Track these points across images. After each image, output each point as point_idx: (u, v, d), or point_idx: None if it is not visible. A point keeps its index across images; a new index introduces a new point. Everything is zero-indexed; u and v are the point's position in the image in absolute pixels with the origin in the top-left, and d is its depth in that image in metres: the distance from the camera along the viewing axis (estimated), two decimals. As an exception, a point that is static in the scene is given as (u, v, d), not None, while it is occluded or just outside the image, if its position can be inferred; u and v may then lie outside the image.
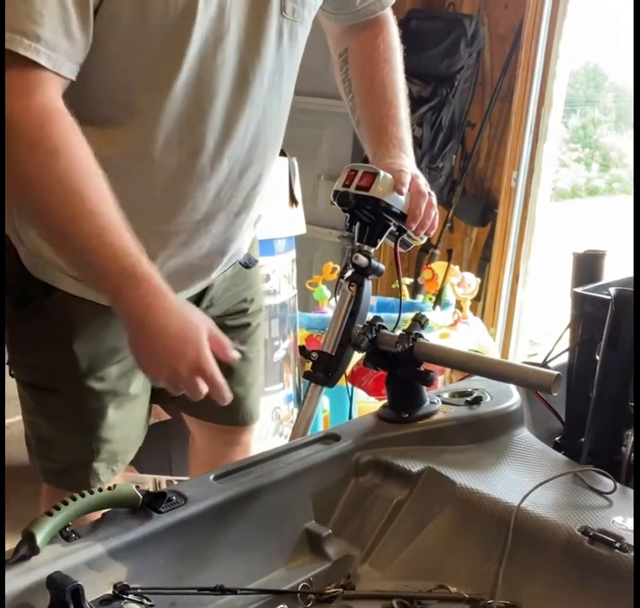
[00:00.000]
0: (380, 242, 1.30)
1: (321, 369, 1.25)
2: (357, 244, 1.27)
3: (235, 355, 1.17)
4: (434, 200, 1.34)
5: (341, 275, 1.30)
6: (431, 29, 3.43)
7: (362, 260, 1.25)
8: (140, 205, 1.19)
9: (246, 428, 1.68)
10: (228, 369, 1.52)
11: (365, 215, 1.28)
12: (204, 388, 1.12)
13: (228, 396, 1.15)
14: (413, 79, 3.44)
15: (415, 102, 3.45)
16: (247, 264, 1.54)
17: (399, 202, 1.28)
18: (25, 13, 1.00)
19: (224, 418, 1.61)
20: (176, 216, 1.29)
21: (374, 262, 1.26)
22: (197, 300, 1.45)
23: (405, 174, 1.29)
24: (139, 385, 1.44)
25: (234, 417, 1.62)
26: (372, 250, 1.28)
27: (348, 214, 1.29)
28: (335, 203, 1.28)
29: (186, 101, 1.19)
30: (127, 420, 1.44)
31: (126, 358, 1.35)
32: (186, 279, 1.37)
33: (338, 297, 1.28)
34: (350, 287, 1.26)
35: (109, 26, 1.10)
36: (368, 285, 1.27)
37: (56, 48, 1.03)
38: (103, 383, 1.37)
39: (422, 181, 1.32)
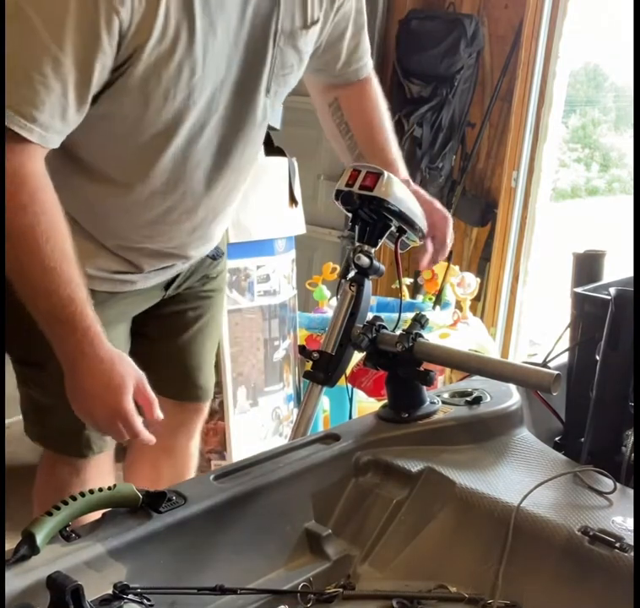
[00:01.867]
0: (380, 243, 1.31)
1: (321, 369, 1.25)
2: (358, 244, 1.28)
3: (159, 414, 1.25)
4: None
5: (342, 276, 1.30)
6: (431, 29, 3.43)
7: (364, 260, 1.26)
8: (119, 228, 1.39)
9: (197, 408, 1.76)
10: (184, 342, 1.66)
11: (367, 215, 1.28)
12: (124, 433, 1.23)
13: (151, 440, 1.25)
14: (413, 79, 3.45)
15: (415, 102, 3.46)
16: (214, 256, 1.63)
17: (402, 202, 1.30)
18: (28, 99, 1.11)
19: (178, 392, 1.70)
20: (152, 241, 1.44)
21: (375, 262, 1.28)
22: (166, 287, 1.56)
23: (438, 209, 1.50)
24: None
25: (187, 391, 1.72)
26: (373, 250, 1.29)
27: (351, 214, 1.30)
28: (338, 202, 1.30)
29: (171, 170, 1.33)
30: None
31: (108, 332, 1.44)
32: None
33: (338, 297, 1.28)
34: (351, 287, 1.26)
35: (108, 112, 1.23)
36: (368, 285, 1.28)
37: (49, 129, 1.15)
38: None
39: (440, 206, 1.48)
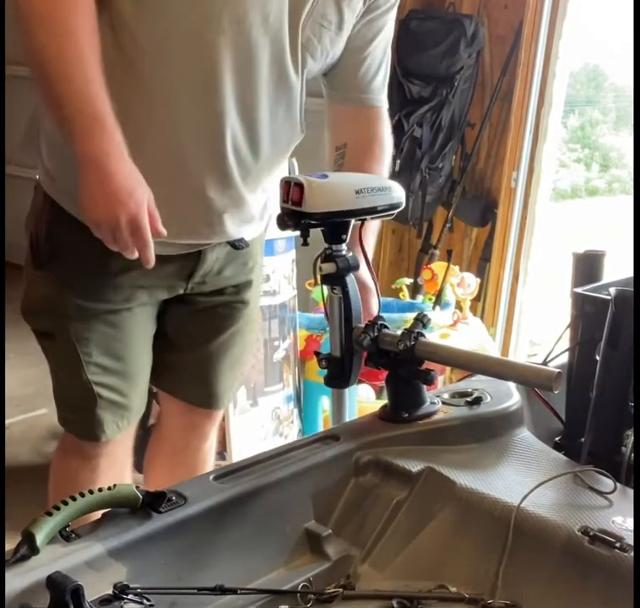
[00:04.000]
0: (347, 236, 1.24)
1: (335, 374, 1.26)
2: (326, 246, 1.23)
3: (162, 230, 1.23)
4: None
5: (322, 282, 1.25)
6: (431, 30, 3.43)
7: (328, 268, 1.21)
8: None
9: (210, 414, 1.75)
10: (208, 352, 1.63)
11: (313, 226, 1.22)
12: (131, 244, 1.21)
13: (151, 258, 1.23)
14: (413, 79, 3.45)
15: (415, 102, 3.46)
16: (237, 245, 1.57)
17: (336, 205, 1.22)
18: None
19: (192, 397, 1.71)
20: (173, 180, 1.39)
21: (343, 261, 1.22)
22: (189, 274, 1.52)
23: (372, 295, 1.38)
24: (138, 336, 1.52)
25: (201, 398, 1.71)
26: (343, 245, 1.23)
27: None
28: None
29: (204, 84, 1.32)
30: (123, 369, 1.52)
31: (120, 310, 1.47)
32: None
33: (326, 300, 1.26)
34: (334, 291, 1.24)
35: None
36: (351, 280, 1.24)
37: None
38: (95, 332, 1.46)
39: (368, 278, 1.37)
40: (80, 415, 1.52)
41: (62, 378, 1.52)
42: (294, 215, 1.18)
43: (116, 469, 1.58)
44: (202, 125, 1.35)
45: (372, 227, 1.44)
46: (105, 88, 1.19)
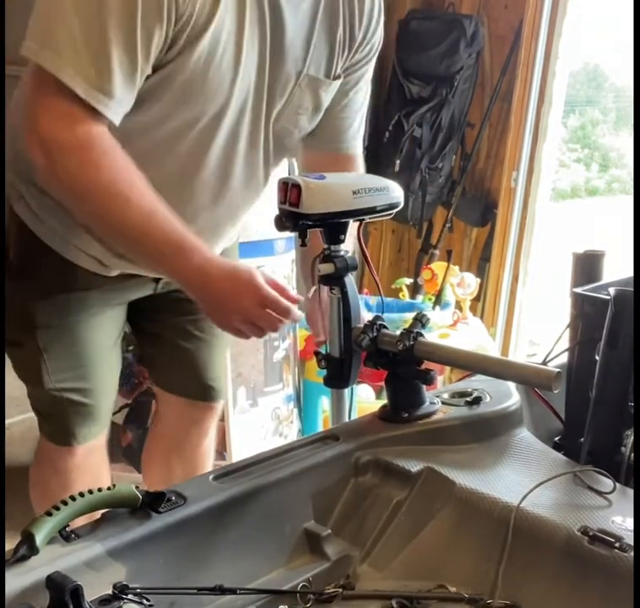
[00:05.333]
0: (346, 236, 1.23)
1: (335, 374, 1.25)
2: (325, 247, 1.22)
3: (295, 295, 1.28)
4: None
5: (321, 283, 1.24)
6: (431, 30, 3.43)
7: (326, 269, 1.21)
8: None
9: (209, 407, 1.77)
10: (194, 343, 1.67)
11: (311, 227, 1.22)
12: (275, 318, 1.26)
13: (298, 314, 1.29)
14: (412, 80, 3.45)
15: (415, 102, 3.46)
16: None
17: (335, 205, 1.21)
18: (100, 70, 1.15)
19: (191, 391, 1.73)
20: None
21: (342, 261, 1.21)
22: (157, 278, 1.56)
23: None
24: (102, 343, 1.55)
25: (199, 390, 1.74)
26: (341, 246, 1.23)
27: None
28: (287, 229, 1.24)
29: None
30: (89, 374, 1.54)
31: (86, 319, 1.50)
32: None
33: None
34: (332, 291, 1.23)
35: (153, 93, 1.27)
36: (350, 280, 1.23)
37: (120, 101, 1.19)
38: (60, 341, 1.49)
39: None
40: (51, 421, 1.55)
41: (31, 386, 1.55)
42: (292, 216, 1.18)
43: (90, 475, 1.59)
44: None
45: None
46: (167, 212, 1.22)
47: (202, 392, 1.74)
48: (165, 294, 1.61)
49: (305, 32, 1.36)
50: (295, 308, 1.26)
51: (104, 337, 1.55)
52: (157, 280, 1.56)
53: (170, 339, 1.69)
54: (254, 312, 1.25)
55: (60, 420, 1.54)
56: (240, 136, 1.38)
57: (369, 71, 1.52)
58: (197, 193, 1.39)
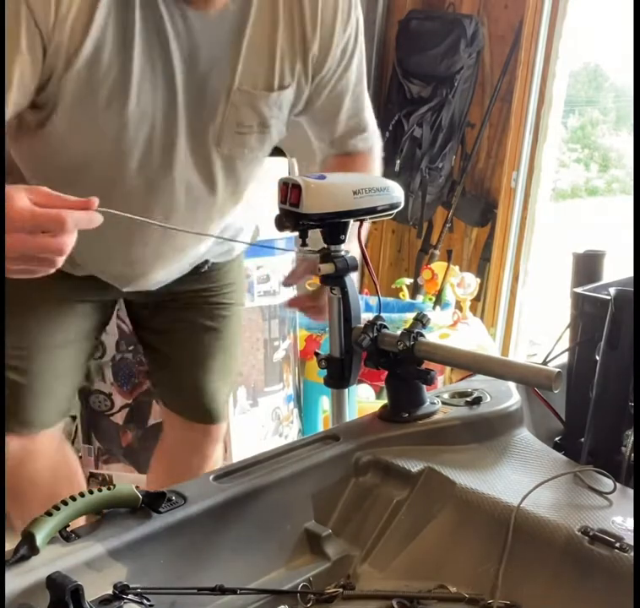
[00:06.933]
0: (346, 236, 1.23)
1: (335, 374, 1.25)
2: (324, 246, 1.22)
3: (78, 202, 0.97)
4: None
5: (322, 282, 1.24)
6: (431, 30, 3.43)
7: (327, 268, 1.21)
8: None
9: (207, 430, 1.74)
10: (195, 359, 1.64)
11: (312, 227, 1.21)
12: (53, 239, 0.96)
13: (98, 219, 0.98)
14: (413, 80, 3.45)
15: (415, 102, 3.46)
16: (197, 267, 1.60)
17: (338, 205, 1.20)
18: None
19: (189, 412, 1.71)
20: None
21: (342, 261, 1.21)
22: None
23: None
24: (55, 333, 1.53)
25: (197, 413, 1.71)
26: (342, 246, 1.22)
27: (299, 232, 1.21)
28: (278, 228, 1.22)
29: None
30: (34, 357, 1.53)
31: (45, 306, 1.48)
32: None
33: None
34: (333, 292, 1.23)
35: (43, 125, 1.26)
36: (350, 280, 1.23)
37: None
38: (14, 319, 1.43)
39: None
40: (8, 410, 1.53)
41: None
42: (292, 217, 1.18)
43: (42, 472, 1.58)
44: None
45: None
46: None
47: (195, 413, 1.72)
48: (166, 305, 1.60)
49: (228, 45, 1.28)
50: (72, 213, 0.94)
51: (59, 329, 1.52)
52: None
53: (170, 352, 1.68)
54: (24, 245, 0.95)
55: (11, 406, 1.51)
56: (171, 159, 1.33)
57: (353, 72, 1.43)
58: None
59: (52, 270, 1.00)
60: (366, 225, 1.30)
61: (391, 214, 1.29)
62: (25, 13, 1.13)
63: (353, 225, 1.25)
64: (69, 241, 0.96)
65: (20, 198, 0.94)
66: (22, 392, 1.53)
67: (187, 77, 1.28)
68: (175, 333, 1.67)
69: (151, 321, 1.68)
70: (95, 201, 0.96)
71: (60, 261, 0.99)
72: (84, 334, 1.60)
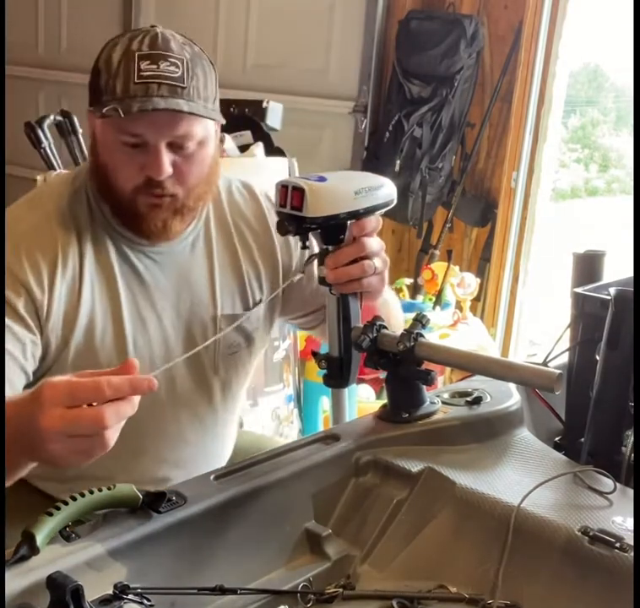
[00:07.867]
0: (345, 236, 1.21)
1: (334, 374, 1.25)
2: (323, 247, 1.21)
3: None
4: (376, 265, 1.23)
5: (321, 283, 1.23)
6: (431, 30, 3.43)
7: (325, 270, 1.21)
8: None
9: None
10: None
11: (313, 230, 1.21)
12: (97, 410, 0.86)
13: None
14: (413, 80, 3.45)
15: (415, 102, 3.46)
16: None
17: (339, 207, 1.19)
18: None
19: None
20: None
21: None
22: None
23: None
24: None
25: None
26: (340, 246, 1.21)
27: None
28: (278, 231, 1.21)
29: None
30: None
31: None
32: None
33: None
34: (332, 292, 1.23)
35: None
36: None
37: None
38: None
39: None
40: None
41: None
42: (294, 220, 1.16)
43: None
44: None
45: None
46: None
47: None
48: None
49: (205, 279, 1.36)
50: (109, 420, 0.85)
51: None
52: None
53: None
54: (63, 419, 0.85)
55: None
56: (173, 398, 1.37)
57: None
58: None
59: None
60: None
61: (384, 211, 1.28)
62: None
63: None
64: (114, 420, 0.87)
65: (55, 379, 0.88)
66: None
67: (179, 315, 1.35)
68: None
69: None
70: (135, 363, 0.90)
71: (98, 449, 0.88)
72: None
